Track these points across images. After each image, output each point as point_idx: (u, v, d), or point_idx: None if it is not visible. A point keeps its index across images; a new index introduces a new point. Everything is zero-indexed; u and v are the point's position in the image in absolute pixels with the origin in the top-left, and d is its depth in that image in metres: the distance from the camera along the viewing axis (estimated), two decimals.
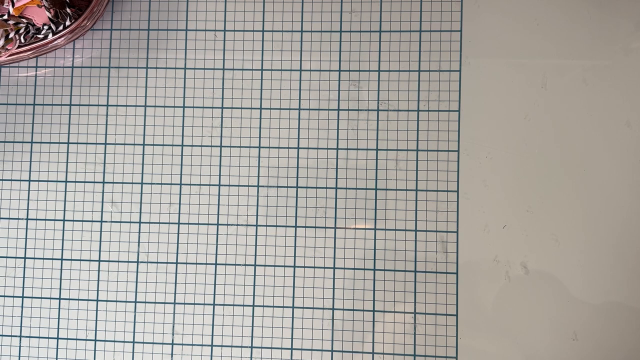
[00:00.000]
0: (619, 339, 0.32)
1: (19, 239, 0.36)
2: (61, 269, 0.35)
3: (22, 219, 0.36)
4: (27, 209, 0.36)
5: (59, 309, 0.35)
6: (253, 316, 0.34)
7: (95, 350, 0.35)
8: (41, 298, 0.35)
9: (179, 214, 0.35)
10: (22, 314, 0.35)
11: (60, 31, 0.33)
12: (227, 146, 0.35)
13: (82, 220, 0.35)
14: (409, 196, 0.34)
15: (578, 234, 0.33)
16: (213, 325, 0.34)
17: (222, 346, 0.34)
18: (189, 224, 0.35)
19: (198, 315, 0.34)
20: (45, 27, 0.33)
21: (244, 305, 0.34)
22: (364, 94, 0.35)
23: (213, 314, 0.34)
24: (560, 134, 0.33)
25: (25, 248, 0.36)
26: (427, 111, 0.34)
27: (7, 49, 0.33)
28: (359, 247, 0.34)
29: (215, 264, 0.35)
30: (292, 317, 0.34)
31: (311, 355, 0.34)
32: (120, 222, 0.35)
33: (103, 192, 0.35)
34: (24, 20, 0.33)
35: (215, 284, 0.34)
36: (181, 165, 0.35)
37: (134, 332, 0.35)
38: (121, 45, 0.36)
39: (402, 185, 0.34)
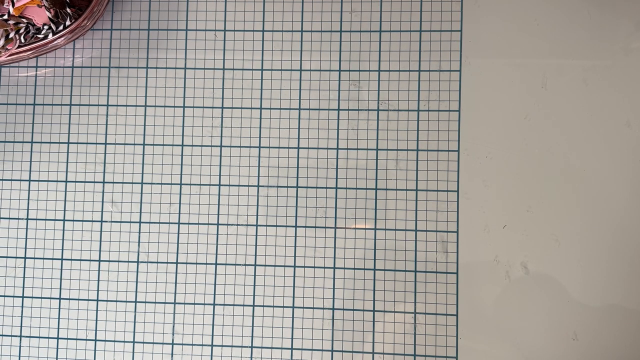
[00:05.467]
0: (618, 339, 0.32)
1: (19, 239, 0.36)
2: (61, 269, 0.35)
3: (22, 219, 0.36)
4: (27, 209, 0.36)
5: (59, 309, 0.35)
6: (253, 316, 0.34)
7: (95, 350, 0.35)
8: (41, 298, 0.35)
9: (179, 214, 0.35)
10: (22, 314, 0.35)
11: (60, 31, 0.33)
12: (227, 146, 0.35)
13: (82, 220, 0.35)
14: (409, 196, 0.34)
15: (578, 234, 0.33)
16: (213, 325, 0.34)
17: (222, 346, 0.34)
18: (189, 224, 0.35)
19: (198, 315, 0.34)
20: (45, 27, 0.33)
21: (244, 305, 0.34)
22: (364, 94, 0.35)
23: (213, 314, 0.34)
24: (560, 134, 0.33)
25: (25, 248, 0.36)
26: (427, 111, 0.34)
27: (7, 48, 0.33)
28: (359, 247, 0.34)
29: (215, 264, 0.35)
30: (292, 317, 0.34)
31: (311, 355, 0.34)
32: (120, 222, 0.35)
33: (103, 192, 0.35)
34: (24, 20, 0.33)
35: (215, 284, 0.34)
36: (181, 165, 0.35)
37: (134, 332, 0.35)
38: (121, 45, 0.36)
39: (402, 185, 0.34)
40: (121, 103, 0.36)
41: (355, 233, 0.34)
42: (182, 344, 0.34)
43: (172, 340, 0.34)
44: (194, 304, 0.34)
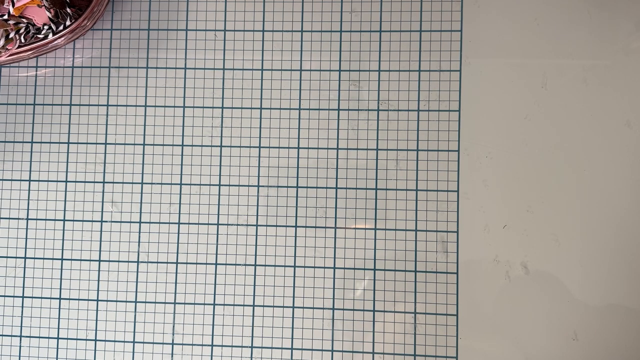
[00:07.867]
0: (619, 339, 0.32)
1: (19, 239, 0.36)
2: (61, 269, 0.35)
3: (22, 219, 0.36)
4: (27, 209, 0.36)
5: (59, 309, 0.35)
6: (253, 316, 0.34)
7: (95, 350, 0.35)
8: (41, 298, 0.35)
9: (179, 214, 0.35)
10: (22, 314, 0.35)
11: (61, 31, 0.33)
12: (227, 146, 0.35)
13: (82, 220, 0.35)
14: (409, 196, 0.34)
15: (578, 234, 0.33)
16: (213, 325, 0.34)
17: (222, 346, 0.34)
18: (189, 224, 0.35)
19: (198, 315, 0.34)
20: (46, 27, 0.33)
21: (244, 305, 0.34)
22: (364, 94, 0.35)
23: (213, 314, 0.34)
24: (560, 134, 0.33)
25: (26, 248, 0.36)
26: (427, 111, 0.34)
27: (7, 49, 0.33)
28: (359, 247, 0.34)
29: (215, 264, 0.35)
30: (292, 317, 0.34)
31: (311, 355, 0.34)
32: (120, 222, 0.35)
33: (103, 192, 0.35)
34: (24, 20, 0.33)
35: (215, 284, 0.34)
36: (181, 165, 0.35)
37: (134, 332, 0.35)
38: (121, 45, 0.36)
39: (402, 185, 0.34)
40: (121, 103, 0.36)
41: (355, 233, 0.34)
42: (182, 344, 0.34)
43: (172, 340, 0.34)
44: (194, 304, 0.34)
